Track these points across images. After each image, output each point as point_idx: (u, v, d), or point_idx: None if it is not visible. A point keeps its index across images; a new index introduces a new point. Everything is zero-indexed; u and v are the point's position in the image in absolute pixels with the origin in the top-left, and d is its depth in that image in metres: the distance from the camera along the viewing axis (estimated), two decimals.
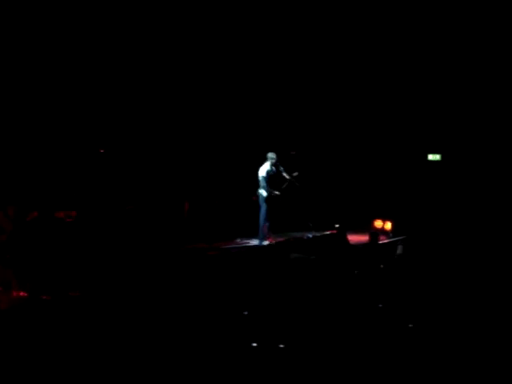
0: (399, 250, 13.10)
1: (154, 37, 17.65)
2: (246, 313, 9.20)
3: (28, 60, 16.37)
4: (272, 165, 15.37)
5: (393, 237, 15.74)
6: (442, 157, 18.81)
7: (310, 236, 15.31)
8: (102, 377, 7.17)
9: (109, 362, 7.49)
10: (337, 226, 15.10)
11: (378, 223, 16.65)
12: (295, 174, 15.45)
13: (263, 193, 15.28)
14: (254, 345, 7.99)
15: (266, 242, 15.27)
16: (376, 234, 14.16)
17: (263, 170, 15.34)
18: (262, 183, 15.25)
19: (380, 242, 14.26)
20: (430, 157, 18.90)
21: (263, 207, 15.36)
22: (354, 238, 15.28)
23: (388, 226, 16.47)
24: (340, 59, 19.08)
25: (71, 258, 13.13)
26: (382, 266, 11.95)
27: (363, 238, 15.08)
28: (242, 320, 9.00)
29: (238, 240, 16.14)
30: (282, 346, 8.00)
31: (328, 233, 15.34)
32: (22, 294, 10.59)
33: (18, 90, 16.32)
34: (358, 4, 18.43)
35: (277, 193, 15.35)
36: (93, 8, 16.90)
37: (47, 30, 16.50)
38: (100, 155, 16.79)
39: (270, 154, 15.38)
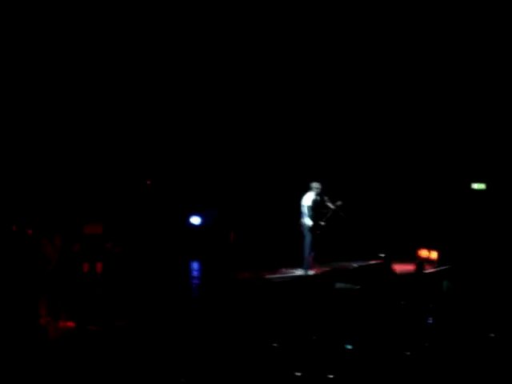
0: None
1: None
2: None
3: None
4: (317, 194, 15.39)
5: (438, 266, 15.58)
6: (487, 185, 18.59)
7: (356, 266, 15.25)
8: None
9: None
10: (382, 255, 14.99)
11: (424, 252, 16.52)
12: (339, 203, 15.43)
13: (308, 222, 15.28)
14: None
15: (311, 272, 15.24)
16: (422, 263, 14.00)
17: (308, 199, 15.35)
18: (309, 213, 15.25)
19: (426, 272, 14.10)
20: (475, 186, 18.69)
21: (308, 237, 15.35)
22: (399, 268, 15.15)
23: (434, 255, 16.33)
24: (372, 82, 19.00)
25: (118, 288, 13.24)
26: (429, 296, 11.79)
27: (408, 268, 14.93)
28: (287, 351, 8.96)
29: (283, 270, 16.11)
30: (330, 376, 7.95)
31: (373, 262, 15.26)
32: (69, 324, 10.69)
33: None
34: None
35: (322, 223, 15.34)
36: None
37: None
38: (146, 186, 16.94)
39: (315, 184, 15.40)
